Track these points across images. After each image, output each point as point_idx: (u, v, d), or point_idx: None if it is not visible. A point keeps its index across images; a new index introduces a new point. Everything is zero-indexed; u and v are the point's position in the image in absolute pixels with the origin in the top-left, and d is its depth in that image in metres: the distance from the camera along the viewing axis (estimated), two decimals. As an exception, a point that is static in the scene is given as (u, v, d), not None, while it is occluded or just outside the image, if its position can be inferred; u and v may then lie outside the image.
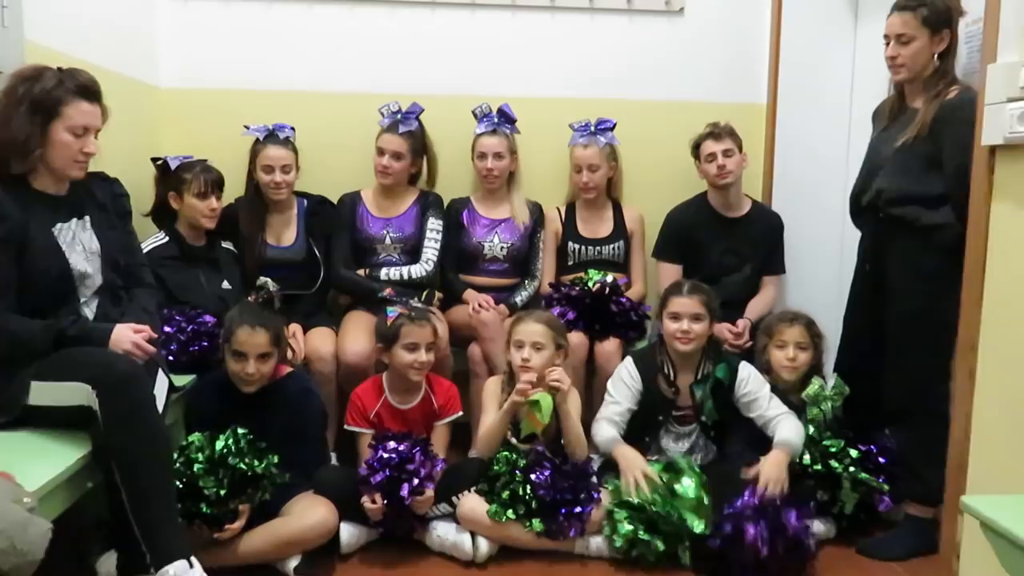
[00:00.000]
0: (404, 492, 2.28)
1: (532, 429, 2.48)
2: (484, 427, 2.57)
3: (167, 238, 2.82)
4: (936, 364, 2.41)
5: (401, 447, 2.34)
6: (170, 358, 2.46)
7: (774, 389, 2.65)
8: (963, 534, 2.13)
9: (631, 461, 2.48)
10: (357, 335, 2.83)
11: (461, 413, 2.68)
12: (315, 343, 2.84)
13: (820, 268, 3.14)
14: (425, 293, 2.99)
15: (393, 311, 2.58)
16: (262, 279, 2.77)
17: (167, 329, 2.49)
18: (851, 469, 2.51)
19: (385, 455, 2.32)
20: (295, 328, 2.84)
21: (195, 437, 2.19)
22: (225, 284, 2.87)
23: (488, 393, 2.67)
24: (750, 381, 2.60)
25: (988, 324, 2.05)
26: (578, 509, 2.36)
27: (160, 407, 1.94)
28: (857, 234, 2.70)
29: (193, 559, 1.85)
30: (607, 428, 2.59)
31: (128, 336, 2.01)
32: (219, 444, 2.16)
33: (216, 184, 2.85)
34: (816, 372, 2.73)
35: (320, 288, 3.08)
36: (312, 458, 2.44)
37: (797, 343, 2.70)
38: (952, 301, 2.27)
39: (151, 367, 2.00)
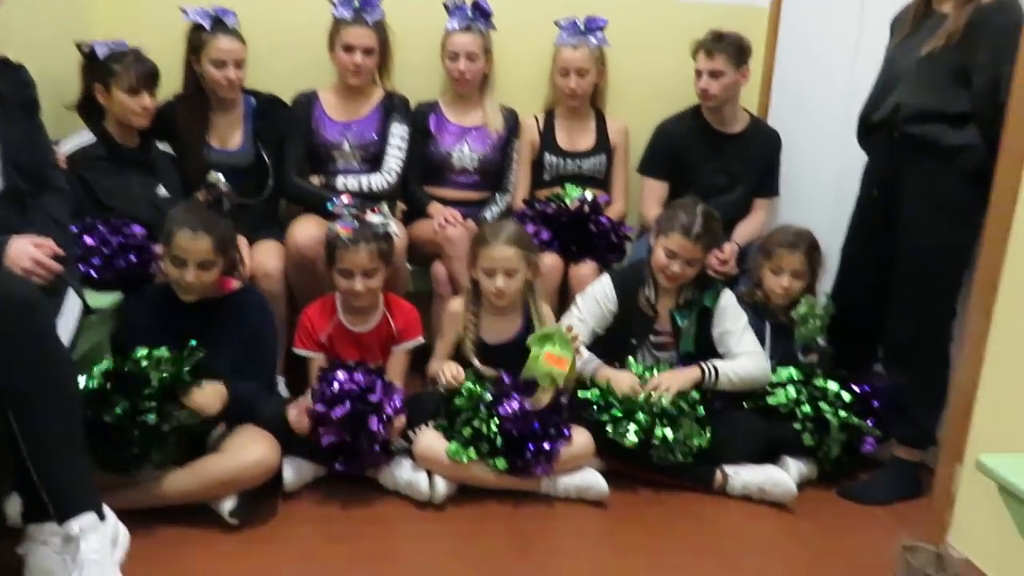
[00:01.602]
0: (374, 426, 2.10)
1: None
2: (439, 357, 2.42)
3: (94, 137, 2.50)
4: (945, 301, 2.28)
5: (358, 376, 2.15)
6: (92, 274, 2.18)
7: (763, 305, 2.57)
8: (961, 485, 1.99)
9: (621, 376, 2.38)
10: (308, 223, 2.65)
11: (422, 339, 2.50)
12: (261, 258, 2.60)
13: (816, 192, 2.92)
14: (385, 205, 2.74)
15: (333, 228, 2.35)
16: (214, 175, 2.47)
17: (88, 241, 2.22)
18: (842, 414, 2.38)
19: (346, 386, 2.12)
20: (239, 240, 2.54)
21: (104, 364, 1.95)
22: (161, 191, 2.58)
23: (448, 317, 2.49)
24: (728, 313, 2.50)
25: (1013, 262, 1.84)
26: (547, 445, 2.20)
27: (67, 338, 1.67)
28: (858, 157, 2.49)
29: (106, 510, 1.63)
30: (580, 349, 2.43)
31: (27, 252, 1.72)
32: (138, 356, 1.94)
33: (149, 78, 2.52)
34: (810, 290, 2.61)
35: (269, 197, 2.82)
36: (267, 375, 2.26)
37: (794, 271, 2.57)
38: (971, 234, 2.13)
39: (58, 288, 1.71)
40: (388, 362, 2.42)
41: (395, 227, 2.42)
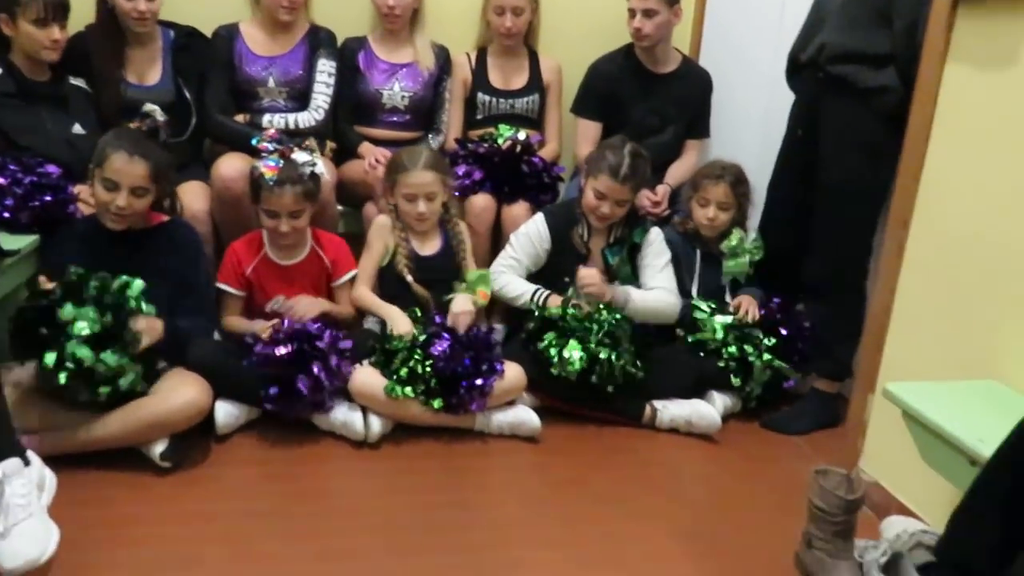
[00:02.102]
0: (316, 370, 2.10)
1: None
2: (366, 277, 2.46)
3: (0, 71, 2.36)
4: (861, 238, 2.34)
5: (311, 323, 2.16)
6: (4, 215, 2.09)
7: (695, 235, 2.64)
8: (871, 414, 2.10)
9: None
10: (233, 157, 2.59)
11: (357, 271, 2.49)
12: (186, 199, 2.48)
13: (746, 133, 2.96)
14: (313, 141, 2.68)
15: (257, 167, 2.30)
16: (149, 106, 2.34)
17: (-1, 180, 2.11)
18: (765, 357, 2.46)
19: (295, 326, 2.13)
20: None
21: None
22: (77, 128, 2.48)
23: (376, 228, 2.51)
24: (652, 248, 2.57)
25: (924, 200, 1.92)
26: (480, 382, 2.23)
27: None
28: (787, 98, 2.52)
29: (30, 454, 1.60)
30: (520, 280, 2.50)
31: None
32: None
33: (59, 8, 2.39)
34: (740, 225, 2.66)
35: (192, 136, 2.73)
36: (202, 312, 2.22)
37: (719, 203, 2.61)
38: (886, 173, 2.18)
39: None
40: (333, 298, 2.45)
41: (322, 166, 2.38)
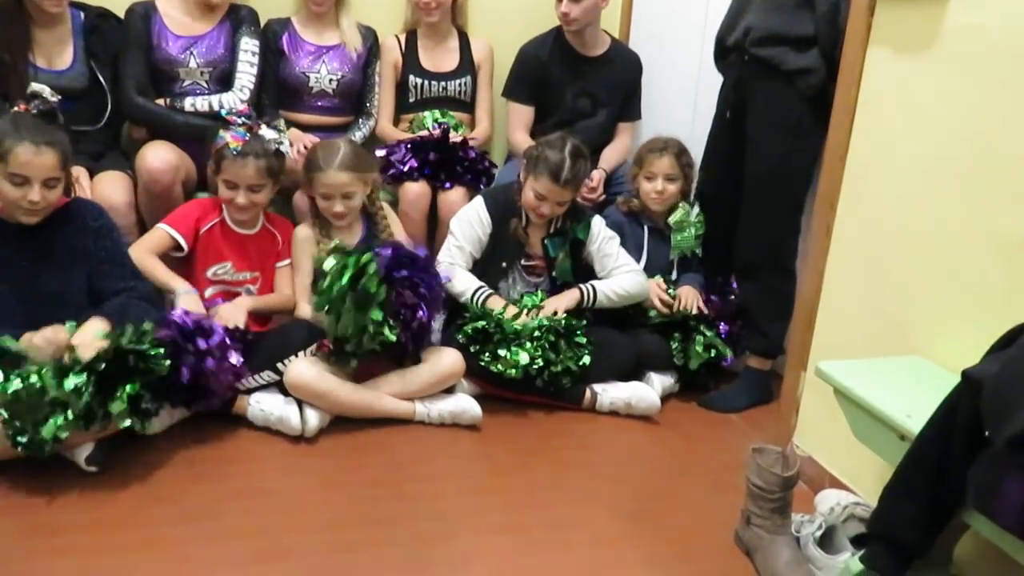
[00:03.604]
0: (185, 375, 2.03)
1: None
2: (305, 295, 2.40)
3: None
4: (788, 219, 2.40)
5: (197, 319, 2.09)
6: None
7: (640, 211, 2.69)
8: (804, 391, 2.16)
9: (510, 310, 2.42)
10: (160, 146, 2.54)
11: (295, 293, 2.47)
12: (105, 190, 2.43)
13: (675, 115, 3.00)
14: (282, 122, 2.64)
15: (223, 136, 2.28)
16: (36, 86, 2.23)
17: None
18: (708, 334, 2.54)
19: (179, 319, 2.05)
20: (79, 172, 2.41)
21: None
22: (-20, 117, 2.33)
23: (299, 244, 2.45)
24: (602, 237, 2.57)
25: (851, 180, 1.97)
26: (422, 314, 2.23)
27: None
28: (715, 81, 2.56)
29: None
30: (466, 274, 2.48)
31: None
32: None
33: None
34: (685, 198, 2.71)
35: (109, 122, 2.62)
36: (136, 278, 2.15)
37: (666, 175, 2.65)
38: (811, 154, 2.25)
39: None
40: (275, 278, 2.45)
41: (288, 145, 2.39)
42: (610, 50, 3.00)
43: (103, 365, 1.84)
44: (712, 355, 2.53)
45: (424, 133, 2.80)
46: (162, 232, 2.33)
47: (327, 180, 2.35)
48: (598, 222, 2.59)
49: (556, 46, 2.94)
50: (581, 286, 2.50)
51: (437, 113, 2.94)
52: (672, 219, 2.65)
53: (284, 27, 2.84)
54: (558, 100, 2.94)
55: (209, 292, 2.37)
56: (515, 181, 2.54)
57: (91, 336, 1.89)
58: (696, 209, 2.67)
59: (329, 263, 2.16)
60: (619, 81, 2.99)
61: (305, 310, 2.35)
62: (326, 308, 2.15)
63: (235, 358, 2.10)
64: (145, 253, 2.28)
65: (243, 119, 2.33)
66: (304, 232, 2.45)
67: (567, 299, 2.47)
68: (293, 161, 2.64)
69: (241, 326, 2.21)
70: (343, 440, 2.19)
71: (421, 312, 2.23)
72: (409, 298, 2.20)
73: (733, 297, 2.61)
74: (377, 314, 2.13)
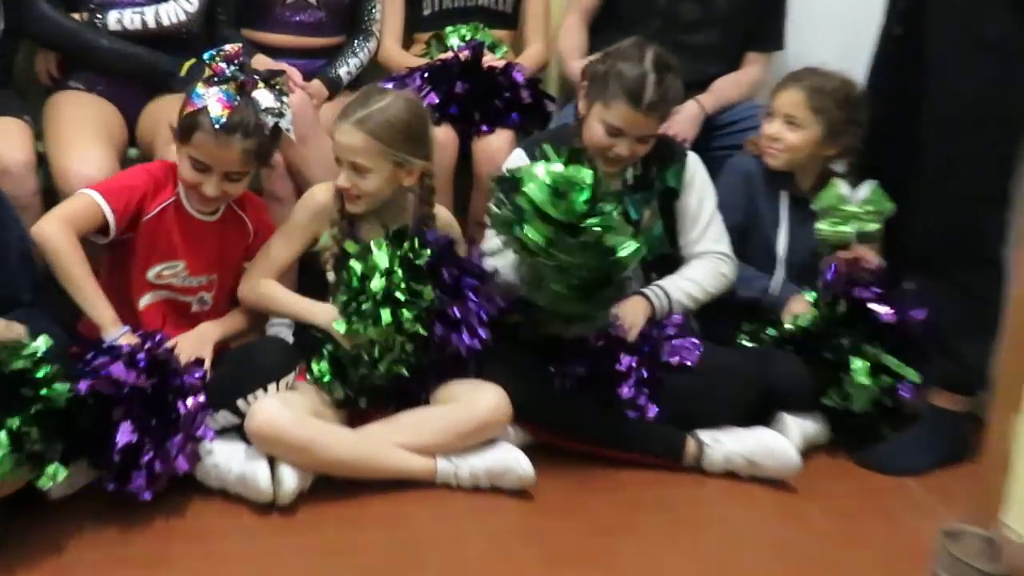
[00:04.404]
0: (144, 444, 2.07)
1: None
2: (273, 268, 2.45)
3: None
4: (995, 186, 2.40)
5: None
6: None
7: (781, 176, 2.71)
8: (1020, 443, 2.12)
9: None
10: (88, 143, 2.57)
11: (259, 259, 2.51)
12: None
13: (819, 38, 3.02)
14: (187, 66, 2.70)
15: (201, 96, 2.26)
16: None
17: None
18: (873, 350, 2.50)
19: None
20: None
21: None
22: None
23: (307, 209, 2.46)
24: (698, 185, 2.62)
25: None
26: (458, 339, 2.29)
27: None
28: None
29: None
30: None
31: None
32: None
33: None
34: (856, 172, 2.72)
35: (2, 46, 2.71)
36: (33, 292, 2.22)
37: (787, 116, 2.66)
38: None
39: None
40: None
41: (289, 118, 2.36)
42: None
43: None
44: (883, 384, 2.50)
45: (448, 55, 2.83)
46: (88, 201, 2.29)
47: (336, 135, 2.37)
48: (695, 162, 2.63)
49: None
50: (647, 291, 2.52)
51: (464, 30, 2.98)
52: (816, 202, 2.67)
53: (249, -91, 2.91)
54: (650, 3, 2.93)
55: (146, 300, 2.40)
56: (567, 115, 2.59)
57: None
58: (865, 191, 2.64)
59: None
60: None
61: (269, 286, 2.40)
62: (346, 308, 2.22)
63: (204, 430, 2.16)
64: (62, 227, 2.24)
65: (233, 68, 2.28)
66: (322, 195, 2.44)
67: (631, 313, 2.46)
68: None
69: (205, 367, 2.23)
70: (332, 510, 2.20)
71: (459, 339, 2.26)
72: (451, 311, 2.24)
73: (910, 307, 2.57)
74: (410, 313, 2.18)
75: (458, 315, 2.27)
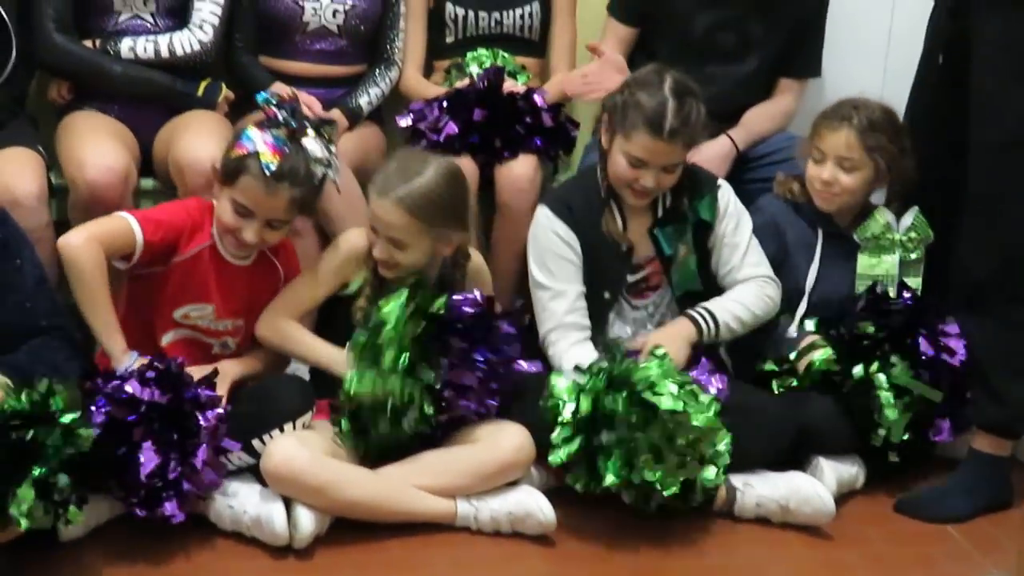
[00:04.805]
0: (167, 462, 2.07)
1: None
2: (293, 310, 2.46)
3: None
4: None
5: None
6: None
7: (809, 205, 2.69)
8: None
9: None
10: (103, 140, 2.61)
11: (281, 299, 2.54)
12: (6, 175, 2.49)
13: (858, 65, 3.05)
14: (204, 86, 2.78)
15: (251, 139, 2.26)
16: None
17: None
18: (895, 371, 2.46)
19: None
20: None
21: None
22: None
23: (338, 255, 2.47)
24: (731, 213, 2.61)
25: None
26: (466, 405, 2.30)
27: None
28: (918, 10, 2.60)
29: None
30: (580, 348, 2.48)
31: None
32: None
33: None
34: (892, 199, 2.72)
35: (14, 76, 2.70)
36: (53, 318, 2.21)
37: (840, 158, 2.62)
38: None
39: None
40: None
41: (336, 168, 2.39)
42: None
43: None
44: (914, 409, 2.46)
45: (466, 83, 2.84)
46: (123, 224, 2.29)
47: (374, 208, 2.38)
48: (727, 192, 2.62)
49: None
50: (693, 313, 2.52)
51: (484, 56, 2.97)
52: (861, 231, 2.63)
53: (269, -67, 2.94)
54: (682, 27, 2.94)
55: (168, 338, 2.40)
56: (591, 157, 2.60)
57: None
58: (909, 219, 2.63)
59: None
60: (790, 13, 2.98)
61: (289, 326, 2.41)
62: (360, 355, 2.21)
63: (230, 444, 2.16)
64: (91, 244, 2.23)
65: (285, 115, 2.30)
66: (356, 242, 2.45)
67: (677, 337, 2.46)
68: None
69: (222, 405, 2.21)
70: (350, 554, 2.20)
71: (467, 407, 2.27)
72: (464, 377, 2.24)
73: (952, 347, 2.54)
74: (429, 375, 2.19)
75: (467, 384, 2.26)
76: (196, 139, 2.60)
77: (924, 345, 2.51)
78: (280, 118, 2.32)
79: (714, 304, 2.53)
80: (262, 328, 2.45)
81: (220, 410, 2.15)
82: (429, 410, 2.21)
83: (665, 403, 2.16)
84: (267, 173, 2.24)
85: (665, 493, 2.19)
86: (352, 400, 2.24)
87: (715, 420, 2.22)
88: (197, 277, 2.39)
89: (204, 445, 2.09)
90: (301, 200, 2.32)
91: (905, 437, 2.45)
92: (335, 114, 2.82)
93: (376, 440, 2.26)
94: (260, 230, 2.31)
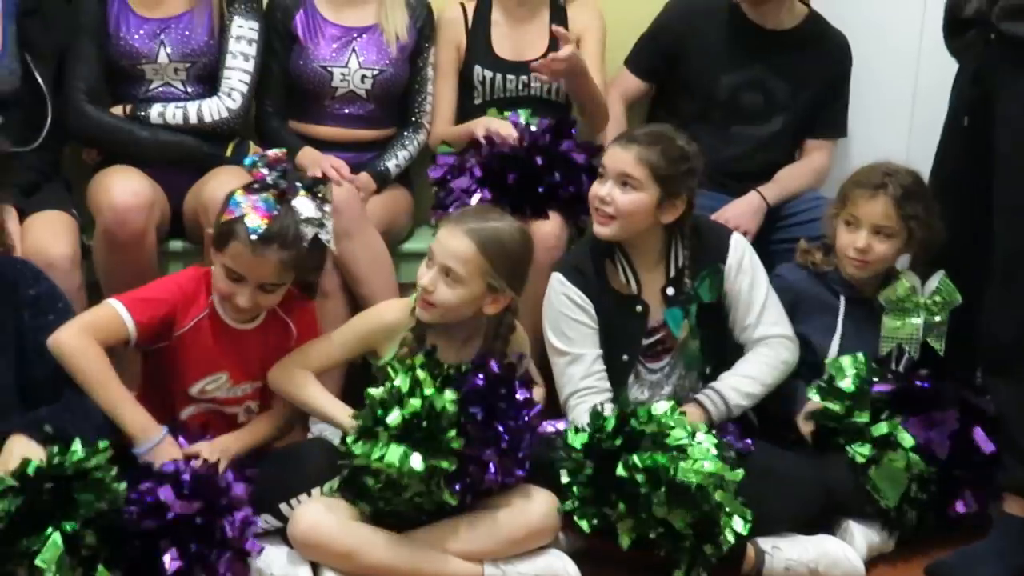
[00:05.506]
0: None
1: None
2: (313, 366, 2.43)
3: None
4: None
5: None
6: None
7: (835, 274, 2.68)
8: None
9: None
10: (126, 174, 2.69)
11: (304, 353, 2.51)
12: (41, 239, 2.54)
13: (882, 128, 3.05)
14: (232, 146, 2.86)
15: (239, 203, 2.24)
16: None
17: None
18: (913, 458, 2.45)
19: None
20: (5, 213, 2.52)
21: None
22: None
23: (372, 322, 2.48)
24: (745, 270, 2.59)
25: None
26: (491, 477, 2.23)
27: None
28: (942, 75, 2.60)
29: None
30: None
31: None
32: None
33: None
34: (916, 264, 2.74)
35: (48, 142, 2.76)
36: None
37: (875, 226, 2.62)
38: None
39: None
40: None
41: (330, 228, 2.34)
42: (807, 24, 3.03)
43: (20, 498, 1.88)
44: (923, 473, 2.45)
45: (497, 139, 2.85)
46: (110, 312, 2.29)
47: (440, 235, 2.37)
48: (738, 246, 2.60)
49: (724, 8, 3.00)
50: (701, 398, 2.52)
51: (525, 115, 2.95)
52: (886, 295, 2.64)
53: (298, 2, 2.96)
54: (707, 87, 2.98)
55: (188, 412, 2.41)
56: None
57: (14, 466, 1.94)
58: (935, 283, 2.63)
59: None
60: (815, 73, 3.02)
61: (310, 385, 2.38)
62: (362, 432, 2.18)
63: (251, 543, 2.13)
64: (80, 335, 2.24)
65: (275, 176, 2.26)
66: (390, 316, 2.46)
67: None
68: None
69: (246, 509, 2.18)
70: None
71: (492, 479, 2.22)
72: (481, 451, 2.20)
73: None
74: (450, 464, 2.14)
75: (488, 457, 2.21)
76: (220, 180, 2.63)
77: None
78: (269, 180, 2.28)
79: (723, 383, 2.53)
80: (276, 375, 2.41)
81: (248, 511, 2.12)
82: (452, 501, 2.17)
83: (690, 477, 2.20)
84: (254, 237, 2.19)
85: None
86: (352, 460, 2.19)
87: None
88: (201, 347, 2.37)
89: (228, 552, 2.07)
90: (292, 262, 2.26)
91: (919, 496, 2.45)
92: (363, 177, 2.86)
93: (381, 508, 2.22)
94: (253, 294, 2.27)
